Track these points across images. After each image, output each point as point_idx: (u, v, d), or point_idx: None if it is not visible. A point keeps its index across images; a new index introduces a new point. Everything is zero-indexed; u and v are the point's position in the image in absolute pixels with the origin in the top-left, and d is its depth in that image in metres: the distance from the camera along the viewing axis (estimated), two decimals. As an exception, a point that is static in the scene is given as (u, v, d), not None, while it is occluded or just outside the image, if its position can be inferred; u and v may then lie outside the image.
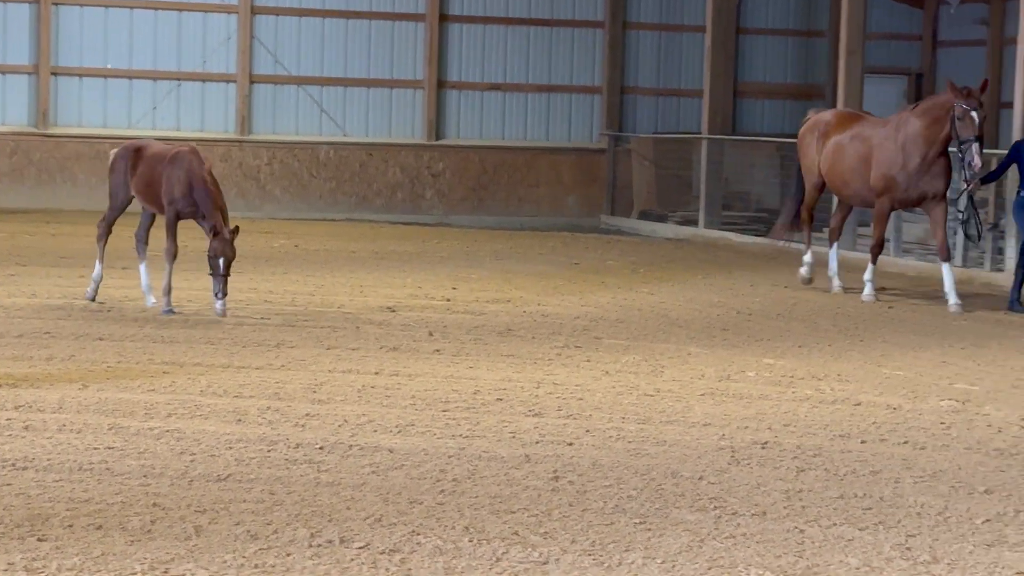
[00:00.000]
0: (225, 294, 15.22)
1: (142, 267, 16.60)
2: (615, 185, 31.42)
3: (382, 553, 7.84)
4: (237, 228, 15.29)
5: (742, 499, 9.17)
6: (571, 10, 31.57)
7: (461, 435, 10.74)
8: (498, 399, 12.08)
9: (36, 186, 29.21)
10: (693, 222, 28.90)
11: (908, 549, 8.21)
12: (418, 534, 8.20)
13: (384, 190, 30.99)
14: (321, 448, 10.18)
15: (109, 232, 17.11)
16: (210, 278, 15.61)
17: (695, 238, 28.18)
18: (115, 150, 17.13)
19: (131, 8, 29.60)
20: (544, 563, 7.75)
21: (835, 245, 20.30)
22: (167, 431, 10.57)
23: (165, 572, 7.40)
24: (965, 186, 18.79)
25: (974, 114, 17.53)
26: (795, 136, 30.53)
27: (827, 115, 20.57)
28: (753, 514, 8.84)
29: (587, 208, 31.43)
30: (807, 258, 20.29)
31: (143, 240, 16.95)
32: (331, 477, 9.42)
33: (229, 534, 8.09)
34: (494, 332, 15.58)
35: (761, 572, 7.70)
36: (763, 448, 10.59)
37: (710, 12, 29.34)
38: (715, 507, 8.96)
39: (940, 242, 18.38)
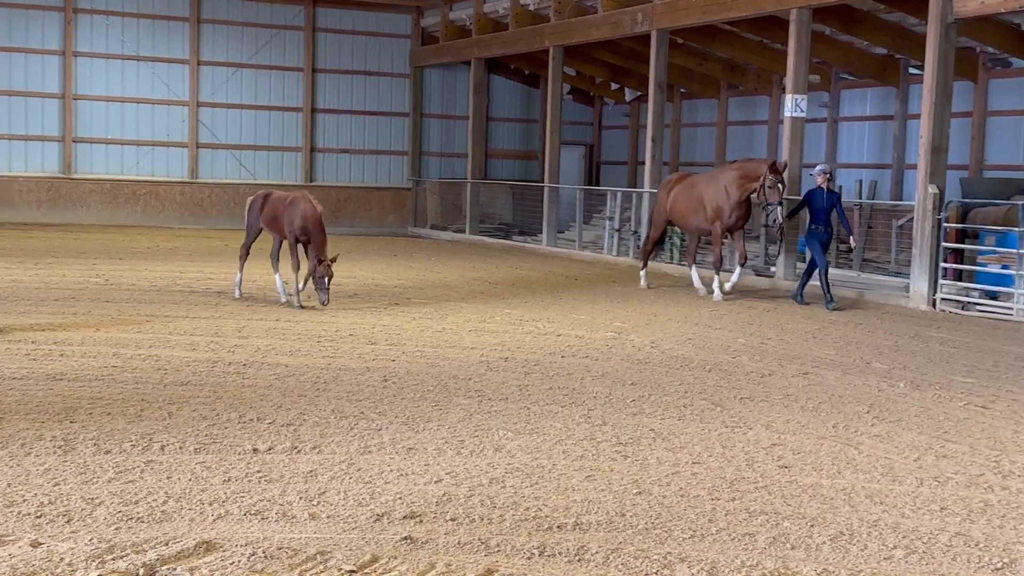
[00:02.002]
0: (327, 301, 13.56)
1: (276, 277, 14.60)
2: (416, 209, 31.37)
3: (283, 426, 7.79)
4: (336, 257, 13.85)
5: (494, 391, 9.25)
6: (390, 104, 31.44)
7: (328, 356, 10.66)
8: (350, 334, 12.00)
9: (64, 210, 28.16)
10: (463, 231, 28.87)
11: (589, 417, 8.37)
12: (304, 414, 8.16)
13: (279, 212, 30.63)
14: (245, 365, 10.04)
15: (247, 253, 15.17)
16: (300, 281, 14.19)
17: (464, 240, 28.18)
18: (251, 197, 15.20)
19: (122, 103, 28.71)
20: (379, 429, 7.78)
21: (693, 266, 17.68)
22: (150, 356, 10.33)
23: (151, 440, 7.28)
24: (769, 226, 16.49)
25: (780, 186, 15.68)
26: (522, 181, 31.01)
27: (671, 177, 18.21)
28: (500, 399, 8.92)
29: (400, 223, 31.29)
30: (643, 274, 17.81)
31: (275, 257, 14.82)
32: (251, 382, 9.30)
33: (189, 417, 7.97)
34: (347, 295, 15.44)
35: (505, 432, 7.80)
36: (505, 361, 10.66)
37: (471, 108, 29.46)
38: (478, 395, 9.03)
39: (741, 253, 16.50)
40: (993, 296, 15.60)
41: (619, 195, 24.16)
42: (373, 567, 5.14)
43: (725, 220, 16.33)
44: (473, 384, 9.47)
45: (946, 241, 15.79)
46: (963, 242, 16.11)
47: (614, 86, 31.60)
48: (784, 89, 20.64)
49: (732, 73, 27.40)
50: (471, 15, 28.98)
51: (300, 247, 14.20)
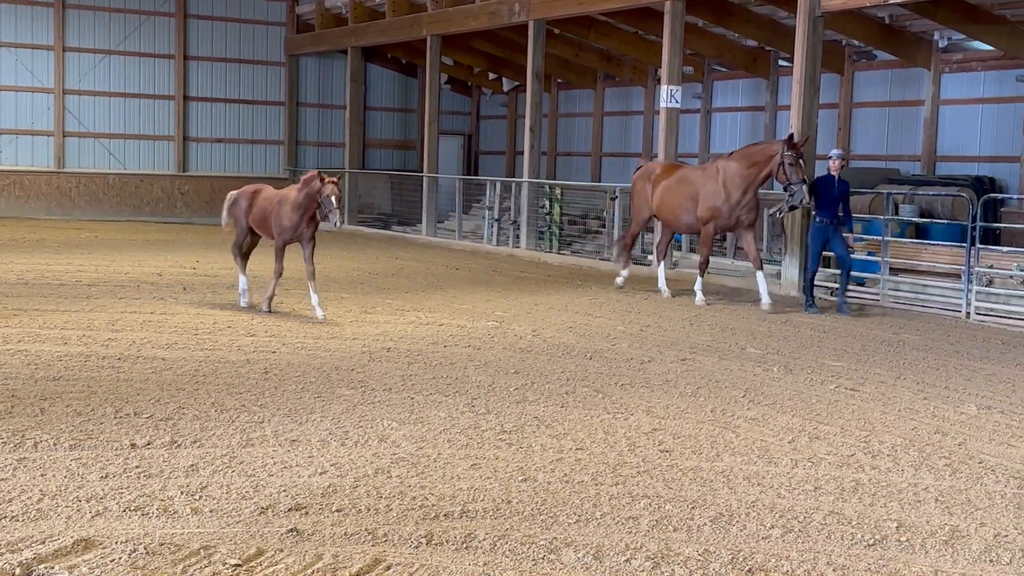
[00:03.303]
0: (340, 222, 12.51)
1: (242, 278, 13.35)
2: (293, 199, 31.02)
3: (161, 420, 7.64)
4: (341, 176, 12.72)
5: (377, 381, 9.21)
6: (265, 93, 30.94)
7: (206, 348, 10.47)
8: (228, 326, 11.80)
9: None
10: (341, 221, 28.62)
11: (473, 406, 8.40)
12: (183, 408, 8.01)
13: (151, 202, 29.80)
14: (119, 359, 9.78)
15: (241, 252, 13.67)
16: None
17: (343, 231, 27.83)
18: (233, 192, 13.52)
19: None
20: (261, 422, 7.68)
21: (662, 264, 16.27)
22: (19, 351, 9.99)
23: (23, 437, 7.06)
24: (779, 214, 15.12)
25: (802, 162, 14.14)
26: (400, 171, 30.88)
27: (654, 165, 16.44)
28: (384, 389, 8.89)
29: (277, 213, 30.91)
30: (625, 273, 16.43)
31: (243, 254, 13.65)
32: (126, 376, 9.08)
33: (63, 412, 7.75)
34: (224, 287, 15.20)
35: (389, 422, 7.78)
36: (388, 351, 10.62)
37: (348, 97, 29.21)
38: (361, 386, 8.99)
39: (754, 256, 14.72)
40: (860, 282, 16.13)
41: (498, 185, 24.25)
42: (259, 560, 5.08)
43: (721, 222, 14.85)
44: (356, 375, 9.41)
45: (816, 229, 16.22)
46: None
47: (492, 76, 31.72)
48: (659, 80, 20.98)
49: (608, 64, 27.73)
50: (347, 3, 28.74)
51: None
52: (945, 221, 16.93)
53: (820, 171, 15.62)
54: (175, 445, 6.99)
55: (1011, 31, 19.00)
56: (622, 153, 28.69)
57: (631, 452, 7.17)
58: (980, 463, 7.16)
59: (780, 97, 23.81)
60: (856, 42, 21.75)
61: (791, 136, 14.44)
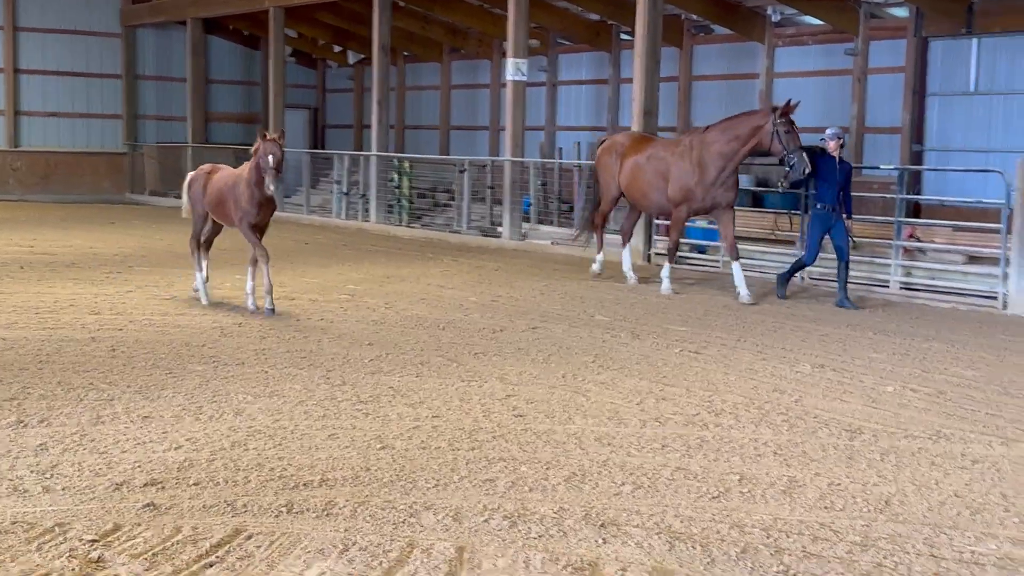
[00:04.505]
0: (273, 187, 10.89)
1: (198, 274, 12.01)
2: (133, 174, 30.12)
3: (5, 400, 7.45)
4: (283, 132, 11.45)
5: (229, 355, 9.14)
6: (100, 66, 29.94)
7: (49, 327, 10.19)
8: (71, 304, 11.50)
9: None
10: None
11: (328, 378, 8.43)
12: (28, 388, 7.81)
13: (-19, 179, 28.77)
14: (-44, 340, 9.46)
15: (200, 245, 12.16)
16: None
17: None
18: (191, 173, 12.26)
19: None
20: (111, 399, 7.56)
21: (627, 246, 14.99)
22: None
23: None
24: (781, 190, 13.76)
25: (796, 130, 12.80)
26: (245, 145, 30.25)
27: (621, 138, 14.99)
28: (237, 363, 8.83)
29: (116, 189, 29.94)
30: (600, 257, 15.13)
31: (203, 246, 12.17)
32: (-35, 357, 8.79)
33: (-101, 396, 7.46)
34: (64, 265, 14.77)
35: (244, 396, 7.75)
36: (239, 326, 10.52)
37: (189, 70, 28.57)
38: (213, 361, 8.91)
39: (730, 244, 13.42)
40: (701, 250, 16.64)
41: (346, 159, 24.10)
42: (116, 535, 5.03)
43: (695, 204, 13.53)
44: (207, 350, 9.31)
45: (659, 199, 16.65)
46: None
47: (337, 49, 31.39)
48: (505, 53, 21.14)
49: (455, 37, 27.77)
50: (186, -27, 28.02)
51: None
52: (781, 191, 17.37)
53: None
54: (21, 425, 6.83)
55: (839, 6, 19.81)
56: (470, 126, 28.80)
57: (486, 418, 7.32)
58: (815, 418, 7.54)
59: (623, 70, 24.25)
60: (694, 16, 22.32)
61: (788, 102, 12.87)
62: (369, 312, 11.58)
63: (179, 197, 12.32)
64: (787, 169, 12.85)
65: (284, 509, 5.43)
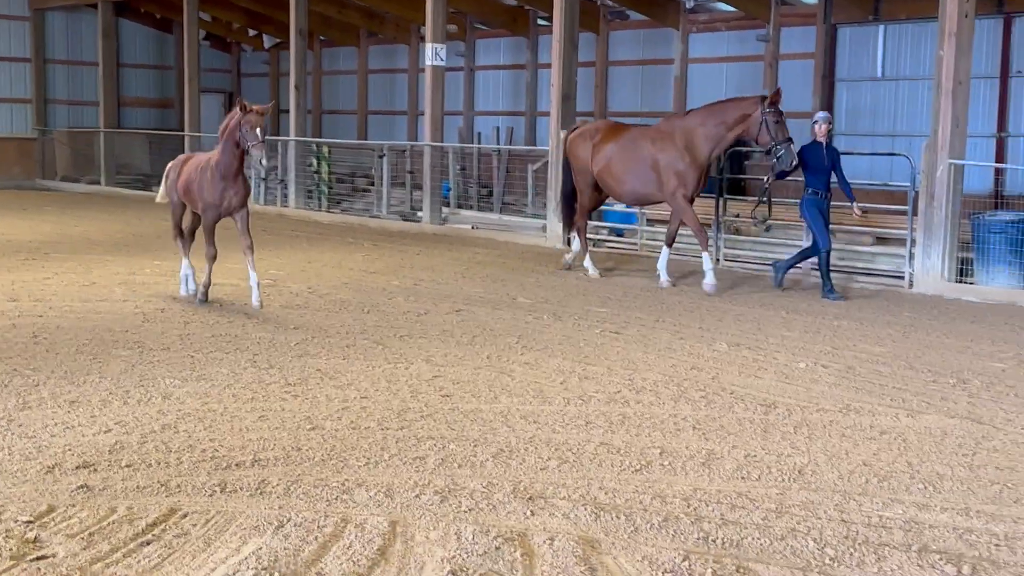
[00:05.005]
0: (265, 165, 10.41)
1: (184, 262, 11.41)
2: (44, 160, 29.57)
3: (-72, 388, 7.38)
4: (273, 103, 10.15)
5: (154, 341, 9.15)
6: (8, 49, 29.30)
7: (-33, 315, 10.09)
8: (-12, 292, 11.37)
9: None
10: (97, 182, 27.55)
11: (255, 362, 8.48)
12: (-50, 375, 7.76)
13: None
14: None
15: (183, 234, 11.57)
16: None
17: (100, 192, 26.94)
18: (171, 162, 11.59)
19: None
20: (36, 385, 7.56)
21: (576, 234, 14.20)
22: None
23: None
24: (767, 183, 13.00)
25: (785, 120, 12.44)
26: (159, 130, 29.86)
27: (596, 125, 14.27)
28: (162, 348, 8.85)
29: (26, 175, 29.37)
30: (589, 263, 13.89)
31: (186, 235, 11.57)
32: None
33: None
34: (-23, 252, 14.54)
35: (171, 379, 7.79)
36: (162, 312, 10.51)
37: (101, 53, 28.09)
38: (138, 346, 8.91)
39: (672, 234, 13.24)
40: (619, 233, 16.93)
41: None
42: (51, 516, 5.09)
43: (691, 187, 12.90)
44: (131, 336, 9.31)
45: (578, 183, 16.90)
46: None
47: (252, 32, 31.10)
48: (423, 38, 21.20)
49: (371, 21, 27.71)
50: (96, -45, 27.54)
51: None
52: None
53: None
54: (-53, 412, 6.81)
55: (752, -6, 20.23)
56: (388, 111, 28.79)
57: (414, 398, 7.46)
58: (731, 394, 7.81)
59: (540, 56, 24.45)
60: (610, 2, 22.59)
61: (777, 92, 12.61)
62: (293, 297, 11.62)
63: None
64: (773, 160, 12.50)
65: (218, 488, 5.51)
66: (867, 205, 13.98)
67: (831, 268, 12.70)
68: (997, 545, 5.03)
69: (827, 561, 4.82)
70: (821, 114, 12.95)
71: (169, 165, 11.61)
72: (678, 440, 6.62)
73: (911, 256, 13.17)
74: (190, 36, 25.09)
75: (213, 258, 10.83)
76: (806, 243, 13.34)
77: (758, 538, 5.05)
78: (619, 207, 16.78)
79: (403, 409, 7.15)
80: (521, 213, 20.62)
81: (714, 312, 11.32)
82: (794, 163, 12.35)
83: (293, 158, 22.22)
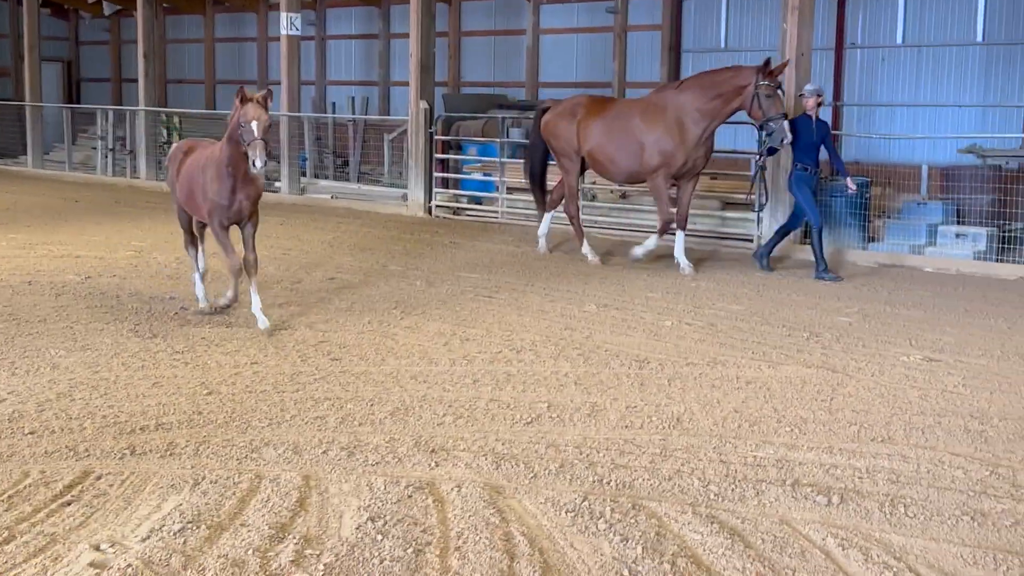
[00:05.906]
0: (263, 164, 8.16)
1: (196, 274, 9.58)
2: None
3: None
4: (269, 91, 8.59)
5: (28, 313, 9.07)
6: None
7: None
8: None
9: None
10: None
11: (137, 331, 8.50)
12: None
13: None
14: None
15: (193, 237, 9.63)
16: None
17: None
18: (173, 146, 10.30)
19: None
20: (-84, 359, 7.45)
21: (549, 215, 13.41)
22: None
23: None
24: (759, 160, 12.31)
25: (780, 92, 11.61)
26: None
27: (577, 100, 13.03)
28: (39, 320, 8.79)
29: None
30: (587, 248, 12.89)
31: (196, 239, 9.61)
32: None
33: None
34: None
35: (55, 350, 7.77)
36: (29, 285, 10.36)
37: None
38: (13, 319, 8.82)
39: (684, 215, 12.34)
40: (478, 201, 17.26)
41: (111, 114, 23.41)
42: (-36, 484, 5.16)
43: (675, 168, 12.08)
44: (3, 308, 9.20)
45: (436, 153, 17.19)
46: (450, 153, 17.65)
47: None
48: (272, 7, 21.05)
49: (218, -11, 27.27)
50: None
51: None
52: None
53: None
54: None
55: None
56: (236, 80, 28.34)
57: (304, 362, 7.65)
58: (606, 351, 8.24)
59: (393, 26, 24.51)
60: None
61: (767, 61, 11.60)
62: (160, 268, 11.58)
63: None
64: (765, 136, 11.73)
65: (127, 452, 5.65)
66: (718, 172, 14.61)
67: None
68: (860, 478, 5.57)
69: (712, 497, 5.27)
70: (810, 87, 12.33)
71: (170, 152, 9.88)
72: (562, 395, 7.00)
73: (759, 220, 13.86)
74: (30, 3, 24.23)
75: (239, 271, 8.87)
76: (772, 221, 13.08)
77: (648, 479, 5.47)
78: (476, 176, 17.12)
79: (295, 372, 7.35)
80: (378, 183, 20.74)
81: (580, 276, 11.76)
82: (786, 140, 11.57)
83: (143, 128, 21.79)
